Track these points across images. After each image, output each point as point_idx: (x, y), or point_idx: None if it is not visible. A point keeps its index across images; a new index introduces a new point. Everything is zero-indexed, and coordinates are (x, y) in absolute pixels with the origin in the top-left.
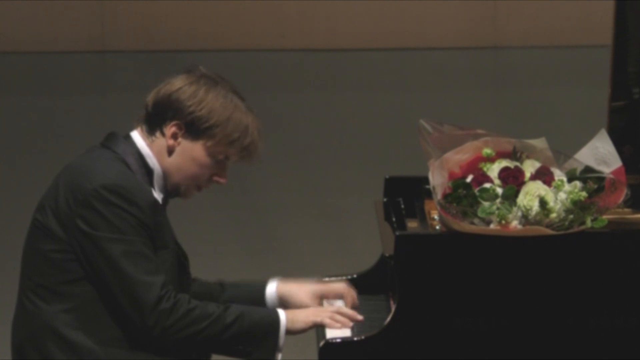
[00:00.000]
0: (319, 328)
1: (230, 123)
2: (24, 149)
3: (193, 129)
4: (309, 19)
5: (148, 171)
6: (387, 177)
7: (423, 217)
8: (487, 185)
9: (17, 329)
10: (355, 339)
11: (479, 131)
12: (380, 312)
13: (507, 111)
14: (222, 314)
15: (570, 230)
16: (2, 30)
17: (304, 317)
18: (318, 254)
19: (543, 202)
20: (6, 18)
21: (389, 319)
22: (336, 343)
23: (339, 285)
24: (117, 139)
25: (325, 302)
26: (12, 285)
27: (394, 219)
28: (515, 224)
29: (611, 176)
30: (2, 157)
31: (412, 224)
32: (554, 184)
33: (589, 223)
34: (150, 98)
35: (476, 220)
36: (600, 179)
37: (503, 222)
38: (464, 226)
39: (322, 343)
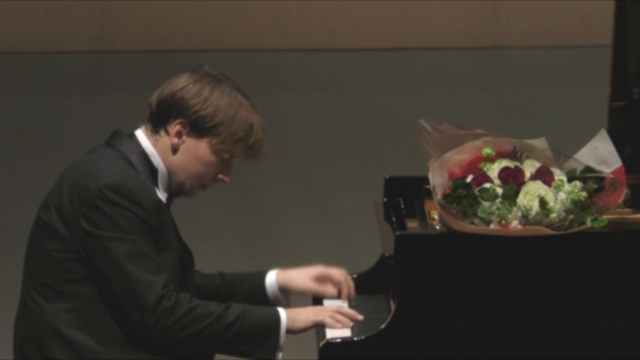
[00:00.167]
0: (319, 328)
1: (235, 121)
2: (24, 149)
3: (197, 127)
4: (309, 19)
5: (152, 170)
6: (387, 177)
7: (423, 217)
8: (487, 185)
9: (19, 327)
10: (355, 339)
11: (479, 131)
12: (380, 312)
13: (507, 111)
14: (223, 313)
15: (570, 230)
16: (2, 30)
17: (304, 316)
18: (318, 254)
19: (543, 202)
20: (6, 18)
21: (389, 319)
22: (336, 343)
23: (338, 271)
24: (122, 137)
25: (325, 302)
26: (12, 285)
27: (394, 219)
28: (515, 224)
29: (611, 176)
30: (2, 157)
31: (412, 224)
32: (554, 184)
33: (589, 223)
34: (154, 97)
35: (476, 220)
36: (600, 179)
37: (503, 222)
38: (464, 226)
39: (322, 343)
